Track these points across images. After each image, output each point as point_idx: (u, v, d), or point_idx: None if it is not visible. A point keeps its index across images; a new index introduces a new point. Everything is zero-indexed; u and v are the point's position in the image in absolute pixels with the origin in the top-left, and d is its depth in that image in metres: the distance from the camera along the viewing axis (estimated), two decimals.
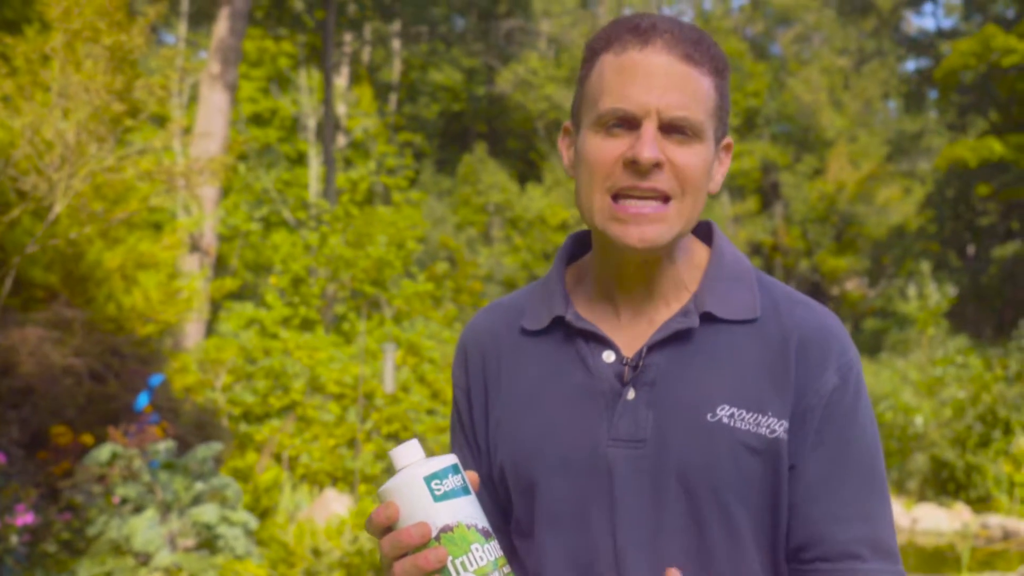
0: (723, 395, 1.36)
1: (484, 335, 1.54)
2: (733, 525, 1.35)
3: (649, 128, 1.31)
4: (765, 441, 1.35)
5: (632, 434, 1.37)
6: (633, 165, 1.31)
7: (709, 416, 1.35)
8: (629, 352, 1.41)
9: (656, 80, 1.32)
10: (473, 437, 1.53)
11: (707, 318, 1.39)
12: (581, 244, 1.54)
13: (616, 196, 1.34)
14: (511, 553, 1.48)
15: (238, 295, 20.34)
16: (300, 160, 28.54)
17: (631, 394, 1.38)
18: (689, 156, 1.33)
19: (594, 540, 1.38)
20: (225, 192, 21.20)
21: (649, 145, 1.30)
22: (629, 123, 1.32)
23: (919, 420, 15.78)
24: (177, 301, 11.97)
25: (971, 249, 32.34)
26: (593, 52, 1.39)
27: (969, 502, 14.52)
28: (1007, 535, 12.76)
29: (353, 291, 17.17)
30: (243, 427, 11.70)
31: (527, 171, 31.50)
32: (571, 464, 1.39)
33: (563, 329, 1.45)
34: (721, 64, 1.38)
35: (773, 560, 1.38)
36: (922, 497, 15.28)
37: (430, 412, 12.23)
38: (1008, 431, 14.82)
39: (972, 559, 10.90)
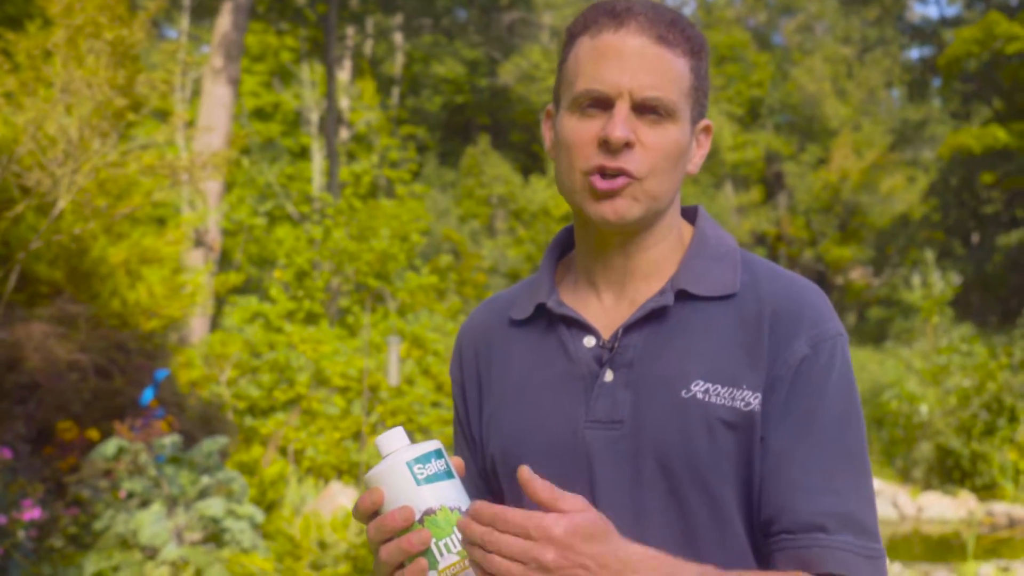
0: (698, 371, 1.36)
1: (477, 330, 1.57)
2: (715, 501, 1.35)
3: (622, 108, 1.33)
4: (741, 415, 1.34)
5: (609, 415, 1.37)
6: (605, 144, 1.33)
7: (683, 392, 1.35)
8: (609, 335, 1.41)
9: (629, 61, 1.34)
10: (469, 431, 1.55)
11: (682, 296, 1.39)
12: (572, 238, 1.55)
13: (592, 175, 1.35)
14: None
15: (242, 289, 20.40)
16: (303, 154, 28.61)
17: (608, 376, 1.39)
18: (661, 137, 1.35)
19: None
20: (228, 187, 21.29)
21: (620, 125, 1.32)
22: (603, 103, 1.34)
23: (924, 409, 15.80)
24: (181, 296, 11.98)
25: (975, 237, 32.32)
26: (571, 36, 1.41)
27: (975, 490, 14.54)
28: (1013, 522, 12.79)
29: (357, 284, 17.26)
30: (248, 421, 11.75)
31: (530, 163, 31.51)
32: (553, 449, 1.40)
33: (546, 316, 1.46)
34: (697, 46, 1.39)
35: (756, 533, 1.37)
36: (928, 485, 15.31)
37: (435, 404, 12.27)
38: (1013, 419, 14.83)
39: (978, 546, 10.91)
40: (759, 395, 1.34)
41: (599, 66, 1.35)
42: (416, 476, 1.26)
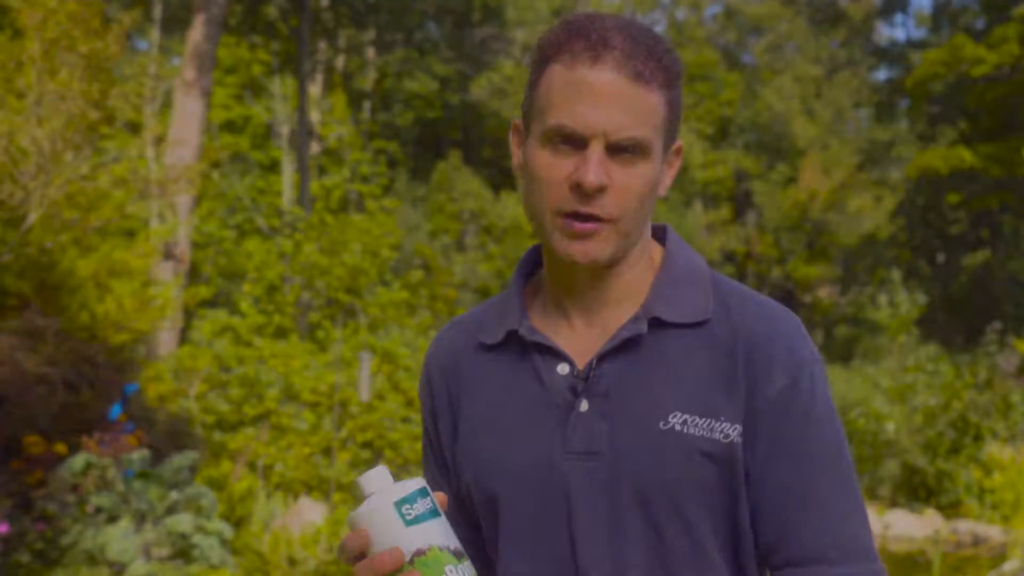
0: (675, 402, 1.35)
1: (445, 353, 1.54)
2: (693, 533, 1.35)
3: (596, 149, 1.31)
4: (720, 446, 1.34)
5: (586, 447, 1.36)
6: (578, 188, 1.31)
7: (662, 424, 1.34)
8: (583, 362, 1.40)
9: (604, 100, 1.31)
10: (441, 455, 1.54)
11: (656, 323, 1.38)
12: (540, 257, 1.53)
13: (560, 216, 1.35)
14: (489, 566, 1.49)
15: (212, 303, 20.27)
16: (273, 168, 28.45)
17: (584, 406, 1.38)
18: (634, 177, 1.33)
19: (555, 554, 1.38)
20: (198, 199, 21.19)
21: (595, 170, 1.30)
22: (576, 142, 1.32)
23: (890, 427, 15.90)
24: (151, 309, 11.90)
25: (941, 257, 32.68)
26: (544, 57, 1.38)
27: (940, 508, 14.61)
28: (977, 541, 12.90)
29: (328, 299, 17.16)
30: (217, 435, 11.67)
31: (501, 179, 31.52)
32: (529, 479, 1.39)
33: (518, 342, 1.44)
34: (673, 75, 1.37)
35: (737, 564, 1.39)
36: (894, 503, 15.37)
37: (405, 420, 12.24)
38: (978, 438, 14.97)
39: (943, 564, 10.98)
40: (738, 426, 1.34)
41: (573, 103, 1.32)
42: (404, 517, 1.25)
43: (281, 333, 16.68)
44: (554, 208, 1.35)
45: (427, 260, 22.65)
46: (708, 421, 1.34)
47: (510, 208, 28.13)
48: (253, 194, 25.89)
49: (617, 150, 1.32)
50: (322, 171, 28.41)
